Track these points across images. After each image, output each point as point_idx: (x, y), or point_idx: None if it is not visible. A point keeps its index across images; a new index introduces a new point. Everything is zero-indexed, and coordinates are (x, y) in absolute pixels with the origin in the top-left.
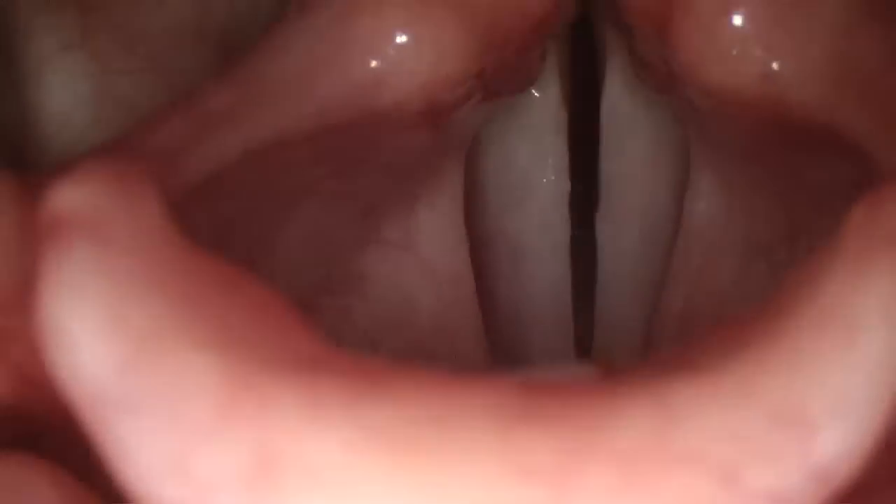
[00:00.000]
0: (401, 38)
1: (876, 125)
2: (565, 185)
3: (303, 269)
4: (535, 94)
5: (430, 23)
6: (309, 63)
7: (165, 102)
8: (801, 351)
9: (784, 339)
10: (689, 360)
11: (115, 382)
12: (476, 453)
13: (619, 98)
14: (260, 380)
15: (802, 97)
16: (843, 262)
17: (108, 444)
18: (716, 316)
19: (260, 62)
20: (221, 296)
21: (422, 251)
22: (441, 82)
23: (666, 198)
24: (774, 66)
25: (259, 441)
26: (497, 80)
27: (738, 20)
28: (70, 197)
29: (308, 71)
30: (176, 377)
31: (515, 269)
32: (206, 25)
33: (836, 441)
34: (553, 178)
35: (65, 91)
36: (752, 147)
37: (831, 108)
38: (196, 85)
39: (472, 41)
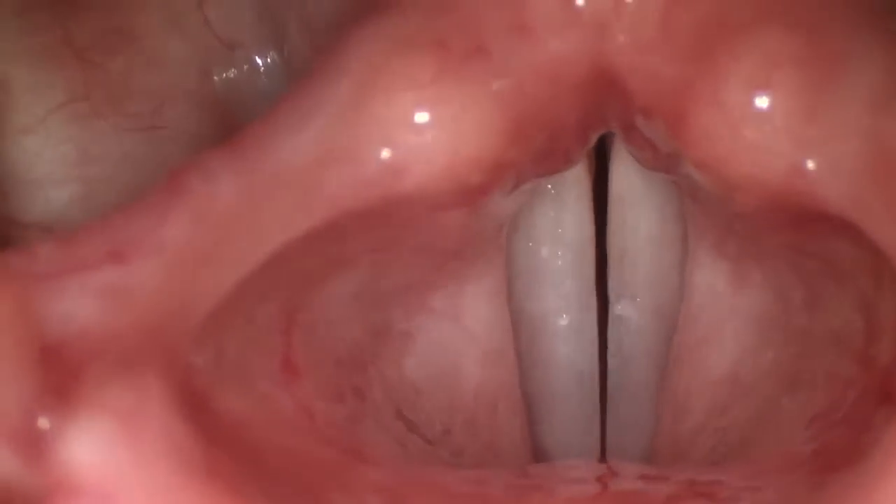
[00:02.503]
0: (417, 122)
1: None
2: (590, 270)
3: (353, 321)
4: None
5: (449, 104)
6: (317, 156)
7: (164, 182)
8: None
9: None
10: None
11: None
12: None
13: (625, 177)
14: None
15: (831, 192)
16: None
17: None
18: (726, 392)
19: (266, 150)
20: None
21: (467, 323)
22: (465, 165)
23: (673, 272)
24: (807, 162)
25: None
26: (529, 164)
27: (765, 111)
28: (79, 453)
29: (316, 165)
30: None
31: (535, 349)
32: (205, 89)
33: None
34: (576, 261)
35: (55, 149)
36: (763, 223)
37: (859, 207)
38: (193, 150)
39: (499, 119)
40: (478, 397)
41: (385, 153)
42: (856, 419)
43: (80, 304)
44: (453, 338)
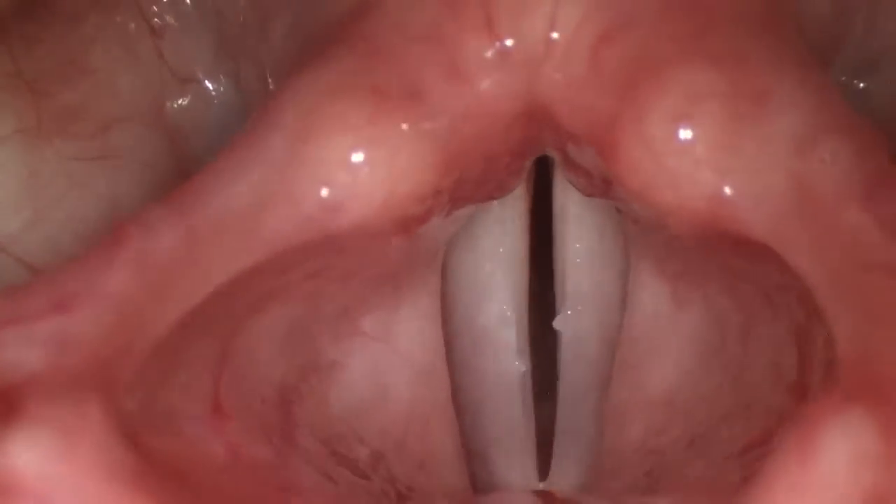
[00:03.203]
0: (352, 163)
1: (826, 274)
2: (525, 282)
3: (279, 359)
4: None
5: (383, 145)
6: (258, 198)
7: (107, 235)
8: None
9: None
10: None
11: None
12: None
13: (565, 197)
14: None
15: (753, 222)
16: None
17: None
18: (663, 413)
19: (205, 200)
20: None
21: (399, 344)
22: (401, 200)
23: (616, 287)
24: (726, 189)
25: None
26: (468, 190)
27: (687, 143)
28: (22, 461)
29: (257, 206)
30: None
31: (478, 362)
32: (158, 119)
33: None
34: (515, 275)
35: (5, 176)
36: (697, 247)
37: (782, 240)
38: (145, 178)
39: (432, 158)
40: (409, 418)
41: (323, 192)
42: None
43: (25, 352)
44: (384, 360)
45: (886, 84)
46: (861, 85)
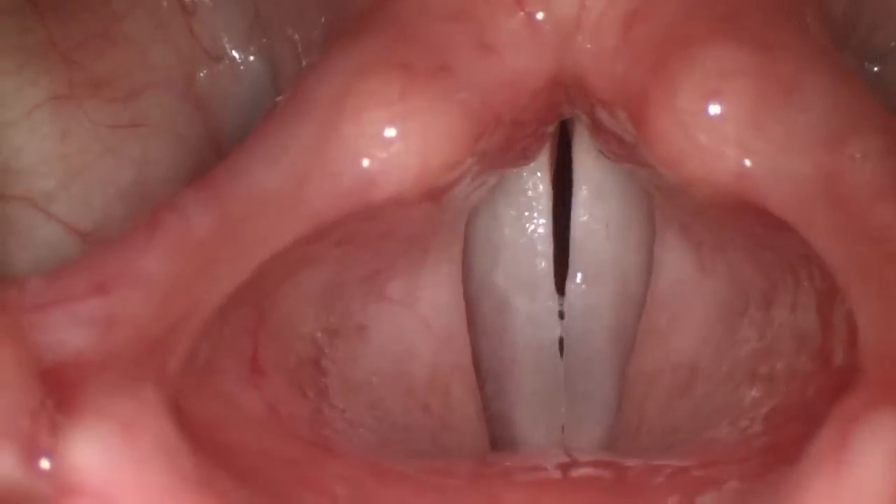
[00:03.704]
0: (387, 137)
1: (849, 259)
2: (549, 247)
3: (312, 320)
4: None
5: (416, 118)
6: (296, 176)
7: (143, 220)
8: None
9: None
10: None
11: None
12: None
13: (589, 165)
14: None
15: (776, 197)
16: None
17: None
18: (685, 378)
19: (240, 180)
20: None
21: (422, 309)
22: (435, 171)
23: (637, 257)
24: (751, 166)
25: None
26: (493, 157)
27: (716, 119)
28: (82, 458)
29: (295, 184)
30: None
31: (501, 326)
32: (188, 90)
33: None
34: (537, 239)
35: (39, 143)
36: (723, 216)
37: (803, 219)
38: (174, 148)
39: (463, 128)
40: (432, 380)
41: (360, 167)
42: (811, 416)
43: (70, 332)
44: (408, 325)
45: None
46: (875, 69)
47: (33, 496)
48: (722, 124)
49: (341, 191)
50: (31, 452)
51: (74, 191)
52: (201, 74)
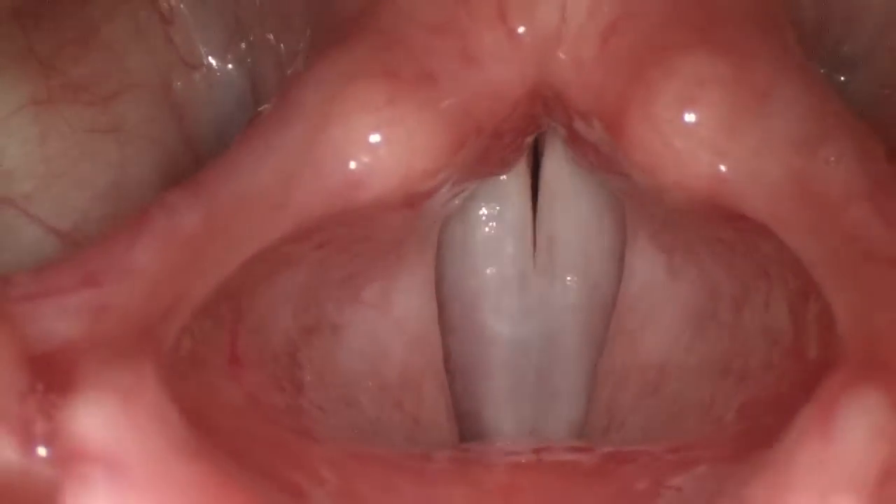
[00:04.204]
0: (373, 142)
1: (824, 256)
2: (528, 249)
3: (288, 319)
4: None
5: (401, 125)
6: (283, 177)
7: (130, 218)
8: None
9: None
10: None
11: None
12: None
13: (557, 171)
14: None
15: (751, 200)
16: (802, 499)
17: None
18: (656, 376)
19: (232, 178)
20: None
21: (395, 312)
22: (418, 176)
23: (607, 259)
24: (726, 170)
25: None
26: (473, 166)
27: (692, 125)
28: (88, 423)
29: (282, 185)
30: None
31: (471, 325)
32: (166, 97)
33: None
34: (508, 241)
35: (18, 147)
36: (695, 221)
37: (778, 219)
38: (152, 152)
39: (446, 136)
40: (404, 380)
41: (347, 169)
42: (785, 407)
43: (59, 322)
44: (381, 327)
45: (866, 80)
46: (842, 78)
47: (33, 483)
48: (697, 130)
49: (328, 192)
50: (25, 437)
51: (53, 192)
52: (178, 82)
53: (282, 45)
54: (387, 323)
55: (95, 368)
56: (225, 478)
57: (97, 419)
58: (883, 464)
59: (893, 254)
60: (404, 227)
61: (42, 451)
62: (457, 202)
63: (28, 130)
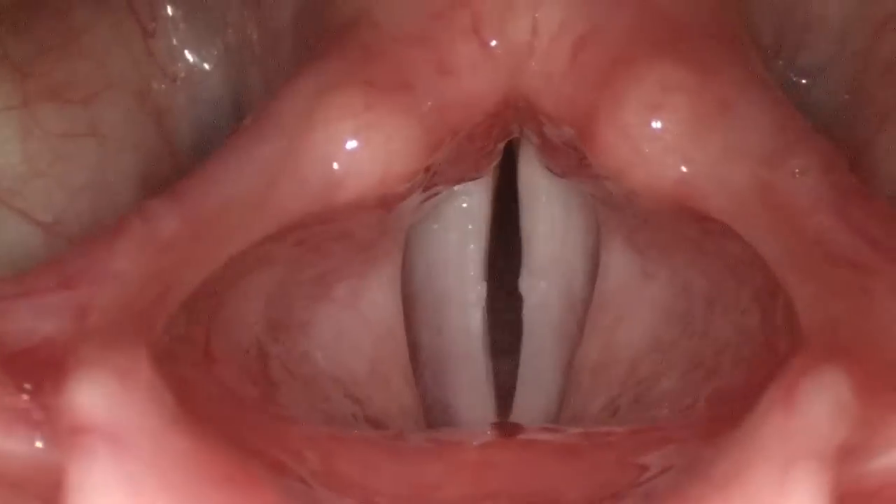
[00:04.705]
0: (352, 145)
1: (786, 256)
2: (484, 246)
3: (260, 316)
4: None
5: (379, 129)
6: (264, 181)
7: (109, 226)
8: None
9: None
10: None
11: None
12: None
13: (531, 174)
14: None
15: (714, 203)
16: (768, 468)
17: None
18: (628, 370)
19: (212, 185)
20: (226, 494)
21: (363, 309)
22: (394, 178)
23: (580, 256)
24: (690, 174)
25: None
26: (445, 171)
27: (658, 130)
28: (88, 399)
29: (264, 188)
30: None
31: (438, 320)
32: (145, 103)
33: None
34: (478, 241)
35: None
36: (666, 224)
37: (741, 221)
38: (131, 156)
39: (422, 140)
40: (372, 374)
41: (327, 171)
42: (755, 395)
43: (38, 321)
44: (350, 324)
45: (827, 87)
46: (803, 81)
47: (42, 473)
48: (663, 136)
49: (309, 193)
50: (24, 428)
51: (37, 186)
52: (159, 89)
53: (269, 60)
54: (355, 319)
55: (89, 352)
56: (220, 452)
57: (95, 396)
58: (842, 443)
59: (855, 258)
60: (377, 227)
61: (41, 442)
62: (427, 207)
63: (9, 127)
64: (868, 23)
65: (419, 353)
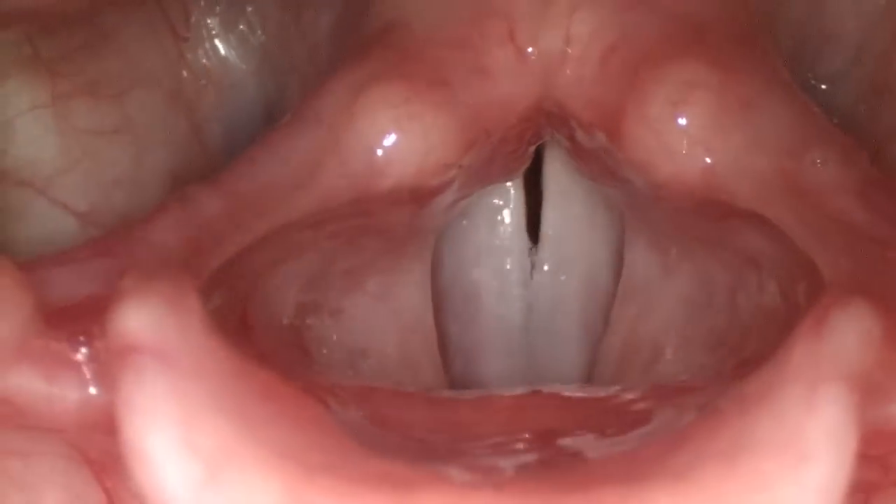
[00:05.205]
0: (392, 135)
1: (810, 233)
2: (523, 244)
3: (295, 298)
4: None
5: (418, 120)
6: (308, 164)
7: (157, 205)
8: (763, 472)
9: (748, 458)
10: (663, 463)
11: (192, 499)
12: None
13: (557, 172)
14: (312, 494)
15: (740, 192)
16: (795, 387)
17: None
18: (651, 359)
19: (252, 170)
20: (269, 406)
21: (393, 303)
22: (430, 169)
23: (604, 252)
24: (712, 162)
25: None
26: (478, 171)
27: (683, 124)
28: (136, 321)
29: (307, 170)
30: (243, 494)
31: (470, 312)
32: (177, 100)
33: None
34: (508, 238)
35: (22, 149)
36: (689, 223)
37: (767, 207)
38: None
39: (458, 134)
40: (403, 359)
41: (369, 157)
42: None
43: (79, 284)
44: (381, 314)
45: (848, 90)
46: (823, 87)
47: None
48: (688, 129)
49: (350, 177)
50: (78, 375)
51: (71, 179)
52: (190, 92)
53: (307, 68)
54: (385, 310)
55: (134, 282)
56: (266, 371)
57: (142, 318)
58: (869, 372)
59: (876, 233)
60: (409, 226)
61: (93, 387)
62: (458, 209)
63: (36, 131)
64: (884, 36)
65: (450, 344)
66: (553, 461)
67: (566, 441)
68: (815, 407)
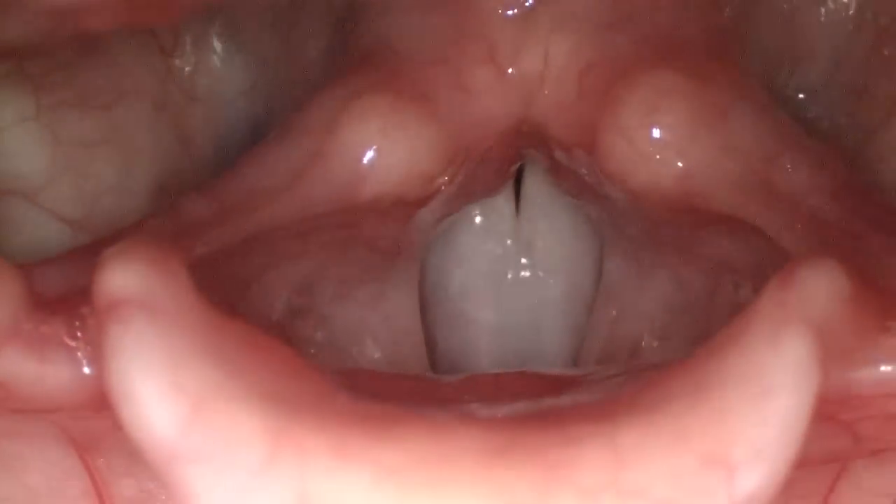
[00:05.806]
0: (378, 143)
1: (784, 227)
2: (509, 250)
3: (285, 302)
4: None
5: (404, 129)
6: (292, 173)
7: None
8: (726, 404)
9: (713, 392)
10: (632, 402)
11: (178, 439)
12: (470, 489)
13: (537, 185)
14: (296, 430)
15: (715, 195)
16: (761, 328)
17: (175, 487)
18: (631, 357)
19: (242, 175)
20: (253, 355)
21: (382, 310)
22: (413, 181)
23: (586, 260)
24: (688, 167)
25: (299, 481)
26: (461, 187)
27: (657, 131)
28: (122, 279)
29: (291, 178)
30: (228, 432)
31: (455, 316)
32: (162, 113)
33: (755, 482)
34: (494, 244)
35: (8, 162)
36: (665, 235)
37: (742, 210)
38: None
39: (442, 147)
40: (391, 361)
41: (354, 164)
42: None
43: (69, 280)
44: (369, 321)
45: (827, 97)
46: (801, 96)
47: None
48: (662, 136)
49: (335, 184)
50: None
51: (60, 190)
52: (178, 107)
53: (296, 90)
54: (374, 318)
55: (120, 247)
56: (250, 325)
57: (128, 275)
58: (837, 325)
59: (852, 229)
60: (397, 239)
61: (85, 366)
62: (443, 226)
63: (24, 142)
64: (862, 45)
65: (435, 348)
66: (535, 412)
67: (548, 400)
68: (779, 344)
